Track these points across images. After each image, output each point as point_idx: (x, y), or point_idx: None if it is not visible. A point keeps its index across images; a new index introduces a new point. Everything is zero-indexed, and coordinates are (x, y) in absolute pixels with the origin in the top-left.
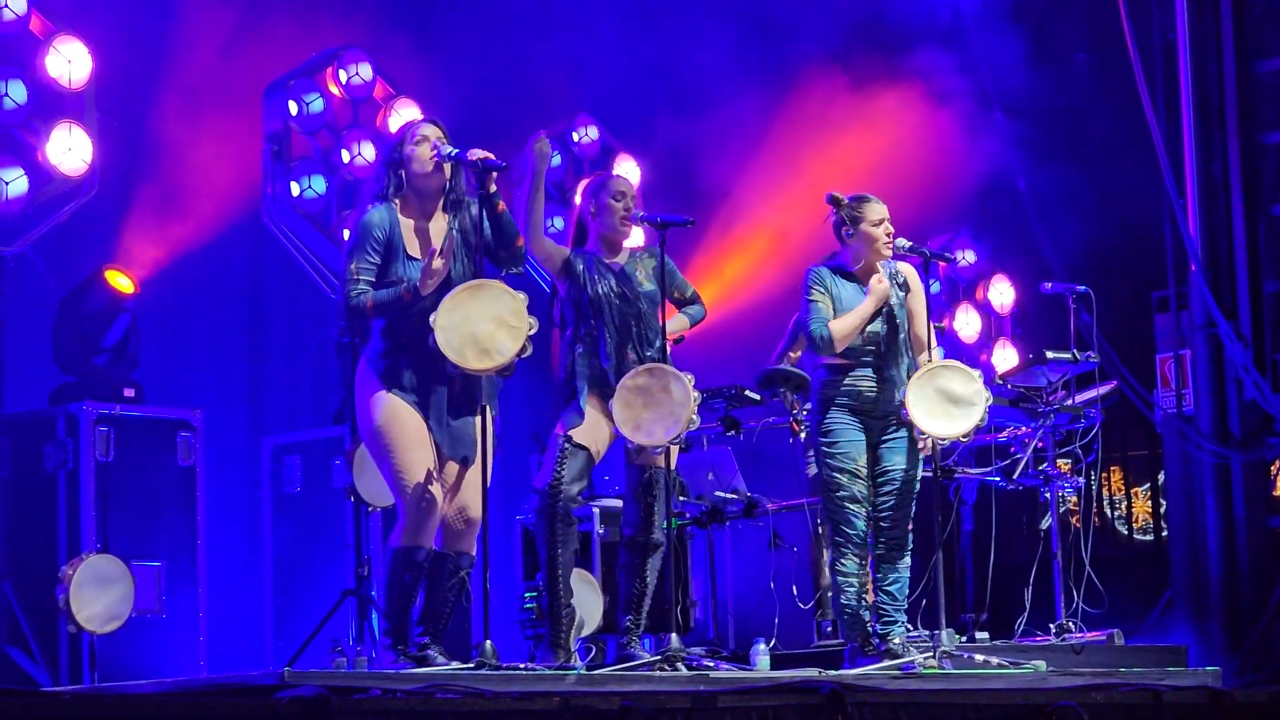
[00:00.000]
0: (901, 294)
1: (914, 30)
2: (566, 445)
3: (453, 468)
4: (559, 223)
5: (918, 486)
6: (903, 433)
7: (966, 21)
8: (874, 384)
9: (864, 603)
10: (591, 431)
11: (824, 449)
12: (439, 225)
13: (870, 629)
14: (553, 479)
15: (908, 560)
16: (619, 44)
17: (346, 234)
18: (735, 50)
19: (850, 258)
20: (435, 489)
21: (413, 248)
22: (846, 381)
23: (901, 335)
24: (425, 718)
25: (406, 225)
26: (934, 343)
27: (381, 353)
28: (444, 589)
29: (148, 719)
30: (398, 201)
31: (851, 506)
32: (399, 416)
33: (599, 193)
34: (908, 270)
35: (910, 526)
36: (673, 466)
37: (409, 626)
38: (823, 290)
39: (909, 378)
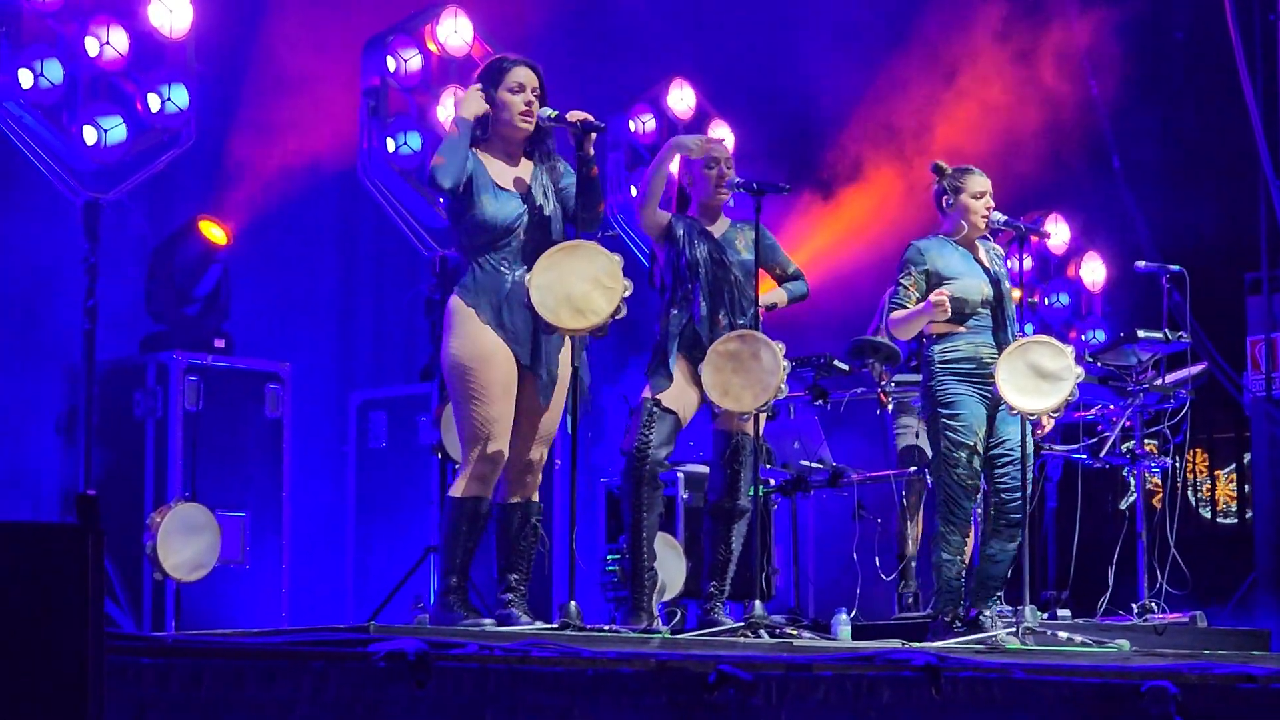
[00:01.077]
0: (1003, 269)
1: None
2: (654, 409)
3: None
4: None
5: (1033, 460)
6: None
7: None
8: (993, 349)
9: (963, 580)
10: (679, 396)
11: (944, 420)
12: (525, 167)
13: (962, 607)
14: (639, 442)
15: (1019, 539)
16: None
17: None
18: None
19: (950, 227)
20: (506, 445)
21: (502, 179)
22: (965, 347)
23: (1008, 304)
24: (522, 676)
25: (491, 162)
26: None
27: (477, 284)
28: (519, 539)
29: (246, 668)
30: (480, 147)
31: (970, 483)
32: (493, 360)
33: (692, 161)
34: (1000, 250)
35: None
36: (760, 433)
37: (468, 580)
38: (918, 271)
39: None
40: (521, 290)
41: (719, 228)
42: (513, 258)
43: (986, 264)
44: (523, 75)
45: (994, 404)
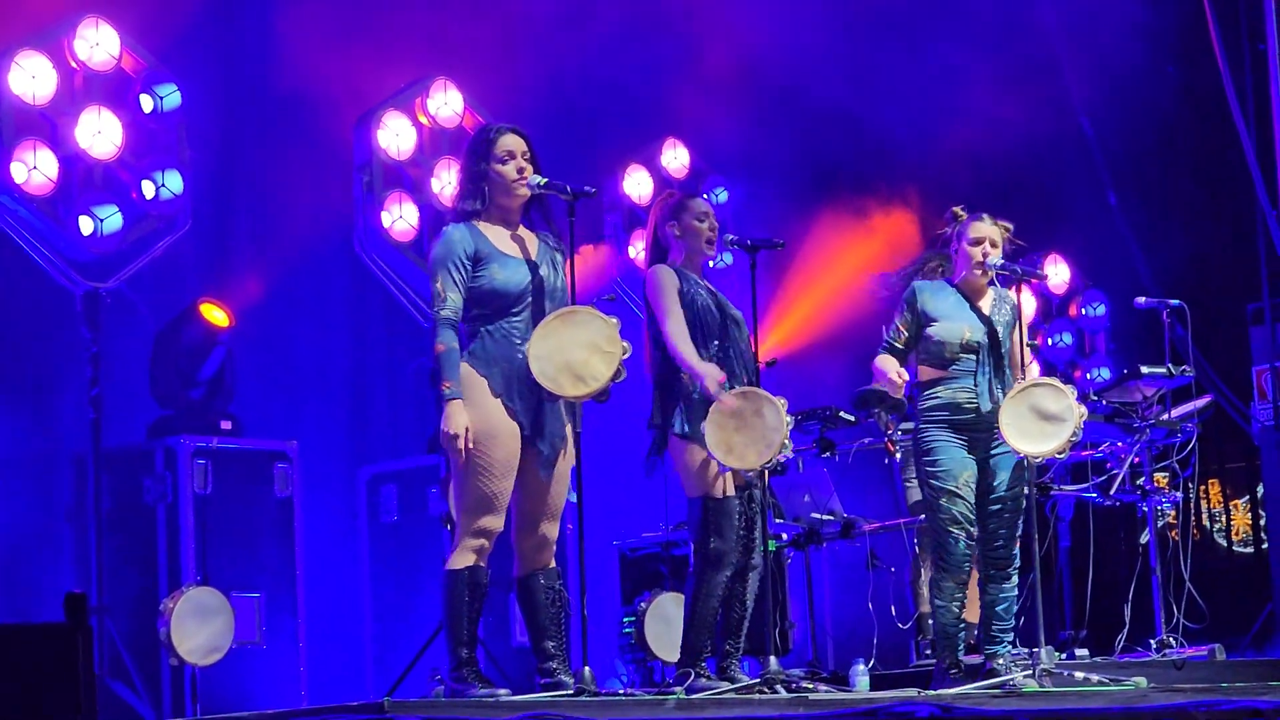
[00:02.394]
0: (1010, 317)
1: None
2: (712, 505)
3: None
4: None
5: (1024, 504)
6: (1006, 446)
7: (1055, 36)
8: (972, 395)
9: (960, 625)
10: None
11: (925, 467)
12: (524, 234)
13: (959, 652)
14: (714, 549)
15: (1015, 580)
16: (707, 67)
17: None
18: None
19: (955, 272)
20: (503, 520)
21: (507, 248)
22: (943, 394)
23: (1003, 350)
24: None
25: (492, 231)
26: (1029, 361)
27: (488, 353)
28: (544, 608)
29: None
30: (479, 219)
31: (954, 529)
32: (499, 437)
33: (680, 214)
34: (1014, 299)
35: (1016, 546)
36: (766, 489)
37: (476, 650)
38: (910, 311)
39: (1004, 393)
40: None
41: (706, 281)
42: (524, 326)
43: (986, 311)
44: (511, 143)
45: (983, 449)
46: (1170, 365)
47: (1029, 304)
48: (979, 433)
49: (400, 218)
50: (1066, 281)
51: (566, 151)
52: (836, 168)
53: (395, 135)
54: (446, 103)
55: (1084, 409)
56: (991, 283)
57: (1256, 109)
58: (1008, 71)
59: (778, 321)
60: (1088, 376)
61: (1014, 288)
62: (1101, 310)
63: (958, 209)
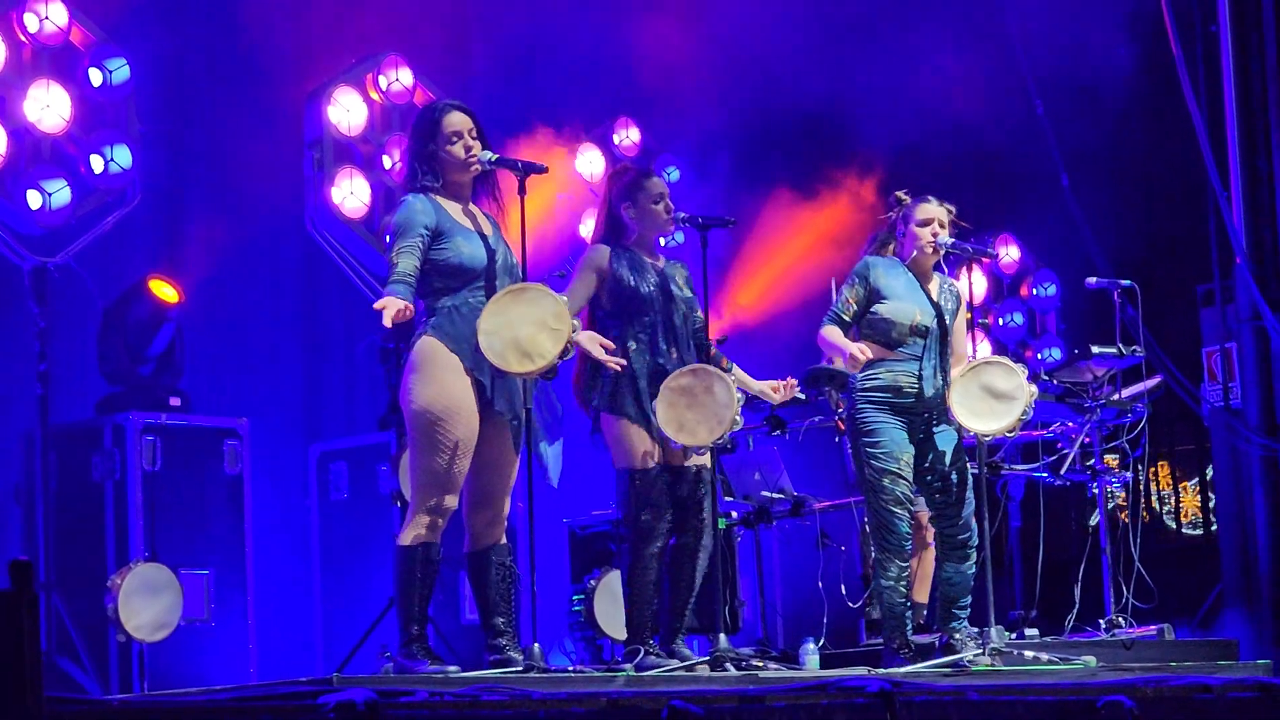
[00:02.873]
0: (954, 304)
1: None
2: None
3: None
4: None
5: (969, 481)
6: (944, 426)
7: (1008, 17)
8: (914, 379)
9: (908, 605)
10: (660, 448)
11: (865, 448)
12: (477, 211)
13: (908, 632)
14: (643, 520)
15: (973, 559)
16: (660, 43)
17: (389, 239)
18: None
19: (904, 255)
20: (457, 499)
21: (465, 223)
22: (885, 375)
23: (947, 339)
24: None
25: (450, 206)
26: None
27: (455, 328)
28: (495, 584)
29: None
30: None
31: (897, 510)
32: (461, 415)
33: (635, 193)
34: (960, 287)
35: (973, 524)
36: (710, 466)
37: (427, 627)
38: (860, 284)
39: (945, 379)
40: None
41: (659, 261)
42: (485, 301)
43: (935, 296)
44: (457, 121)
45: (920, 431)
46: (1121, 346)
47: (980, 284)
48: (917, 416)
49: (351, 194)
50: (1017, 262)
51: (517, 129)
52: (788, 148)
53: (346, 111)
54: (398, 79)
55: (1034, 388)
56: (938, 268)
57: (1208, 91)
58: (961, 53)
59: (729, 299)
60: (1039, 356)
61: (965, 268)
62: (1052, 290)
63: (901, 193)
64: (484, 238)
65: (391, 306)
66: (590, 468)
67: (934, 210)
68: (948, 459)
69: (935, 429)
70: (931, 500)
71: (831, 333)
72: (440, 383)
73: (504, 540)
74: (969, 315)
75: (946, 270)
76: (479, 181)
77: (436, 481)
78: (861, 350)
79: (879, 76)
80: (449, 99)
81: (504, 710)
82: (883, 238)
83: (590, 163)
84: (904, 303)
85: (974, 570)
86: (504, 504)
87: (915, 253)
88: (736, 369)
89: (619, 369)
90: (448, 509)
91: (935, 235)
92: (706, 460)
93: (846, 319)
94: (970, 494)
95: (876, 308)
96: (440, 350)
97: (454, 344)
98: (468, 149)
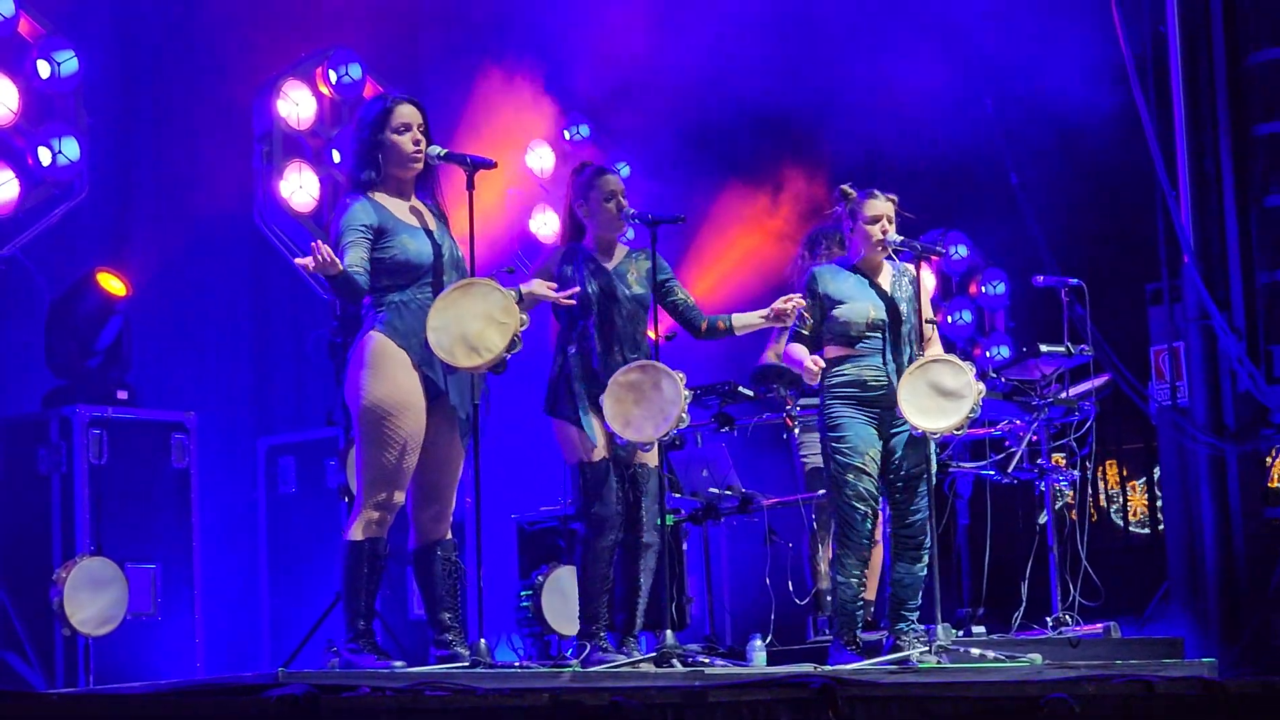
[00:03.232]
0: (911, 291)
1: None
2: (588, 472)
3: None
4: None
5: (932, 482)
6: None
7: (958, 14)
8: (880, 373)
9: (860, 602)
10: (601, 443)
11: (831, 443)
12: (419, 205)
13: (859, 627)
14: (594, 515)
15: (925, 561)
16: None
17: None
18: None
19: (853, 251)
20: (404, 495)
21: (408, 219)
22: (848, 371)
23: (905, 328)
24: (415, 715)
25: (392, 203)
26: (929, 336)
27: (405, 324)
28: (441, 580)
29: (138, 718)
30: (375, 190)
31: (859, 505)
32: (409, 411)
33: (588, 192)
34: (914, 271)
35: (929, 526)
36: (657, 464)
37: (373, 622)
38: (812, 299)
39: None
40: None
41: (614, 260)
42: (433, 297)
43: (887, 288)
44: (408, 113)
45: (888, 426)
46: (1069, 344)
47: (928, 281)
48: (885, 410)
49: (300, 188)
50: (966, 259)
51: (464, 124)
52: (739, 144)
53: (295, 105)
54: (347, 73)
55: (982, 386)
56: (889, 258)
57: (1157, 91)
58: (910, 51)
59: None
60: (987, 354)
61: (914, 265)
62: (1001, 289)
63: (846, 187)
64: (429, 233)
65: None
66: (538, 464)
67: (881, 206)
68: (912, 457)
69: (901, 425)
70: (891, 498)
71: (793, 349)
72: (390, 379)
73: (450, 536)
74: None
75: (897, 261)
76: (422, 178)
77: (384, 477)
78: (815, 362)
79: (829, 74)
80: (397, 93)
81: (447, 705)
82: (828, 235)
83: (540, 158)
84: (856, 302)
85: (925, 571)
86: (450, 500)
87: (865, 251)
88: (736, 316)
89: (569, 303)
90: (395, 504)
91: (885, 232)
92: (649, 458)
93: (806, 333)
94: (929, 495)
95: (833, 313)
96: (389, 346)
97: (402, 340)
98: (416, 142)
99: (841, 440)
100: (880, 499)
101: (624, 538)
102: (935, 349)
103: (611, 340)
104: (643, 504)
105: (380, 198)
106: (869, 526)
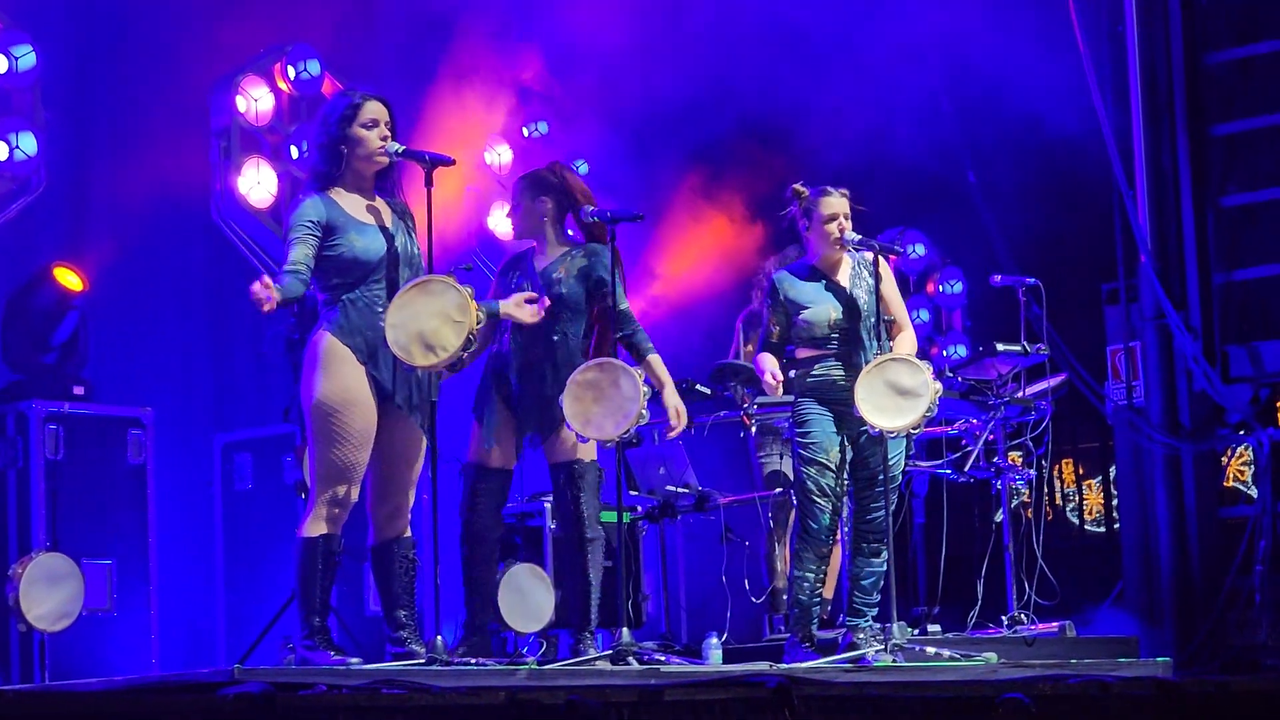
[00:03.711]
0: (871, 282)
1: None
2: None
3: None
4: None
5: (900, 479)
6: None
7: (917, 15)
8: (843, 373)
9: (817, 599)
10: (500, 451)
11: (797, 439)
12: (379, 203)
13: (814, 625)
14: (468, 514)
15: (885, 556)
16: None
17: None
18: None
19: (811, 251)
20: (358, 490)
21: (362, 215)
22: (816, 372)
23: (866, 324)
24: (371, 713)
25: (346, 198)
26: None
27: (350, 323)
28: (398, 577)
29: (92, 717)
30: (335, 185)
31: (820, 501)
32: (358, 407)
33: (537, 196)
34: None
35: (888, 523)
36: (593, 458)
37: (329, 618)
38: (777, 306)
39: None
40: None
41: (550, 256)
42: (384, 295)
43: (846, 284)
44: (375, 110)
45: (854, 426)
46: (1025, 343)
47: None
48: (850, 408)
49: (258, 184)
50: (924, 258)
51: (422, 121)
52: (695, 142)
53: (254, 100)
54: (306, 69)
55: (939, 385)
56: (849, 253)
57: (1115, 90)
58: (869, 50)
59: (637, 294)
60: (944, 353)
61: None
62: (958, 288)
63: (798, 186)
64: (384, 230)
65: (262, 298)
66: None
67: (836, 203)
68: (877, 455)
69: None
70: (856, 494)
71: (761, 359)
72: (337, 376)
73: (408, 533)
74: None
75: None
76: (383, 175)
77: (336, 474)
78: (774, 376)
79: (789, 72)
80: (363, 89)
81: (404, 704)
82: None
83: (498, 155)
84: (817, 306)
85: (884, 568)
86: (407, 497)
87: (823, 250)
88: (652, 361)
89: (537, 318)
90: (348, 501)
91: (841, 230)
92: (585, 453)
93: (775, 341)
94: (893, 491)
95: (798, 318)
96: (336, 345)
97: (350, 338)
98: (383, 138)
99: (807, 436)
100: (843, 497)
101: (568, 533)
102: (907, 336)
103: (525, 341)
104: (581, 499)
105: (338, 194)
106: (828, 523)
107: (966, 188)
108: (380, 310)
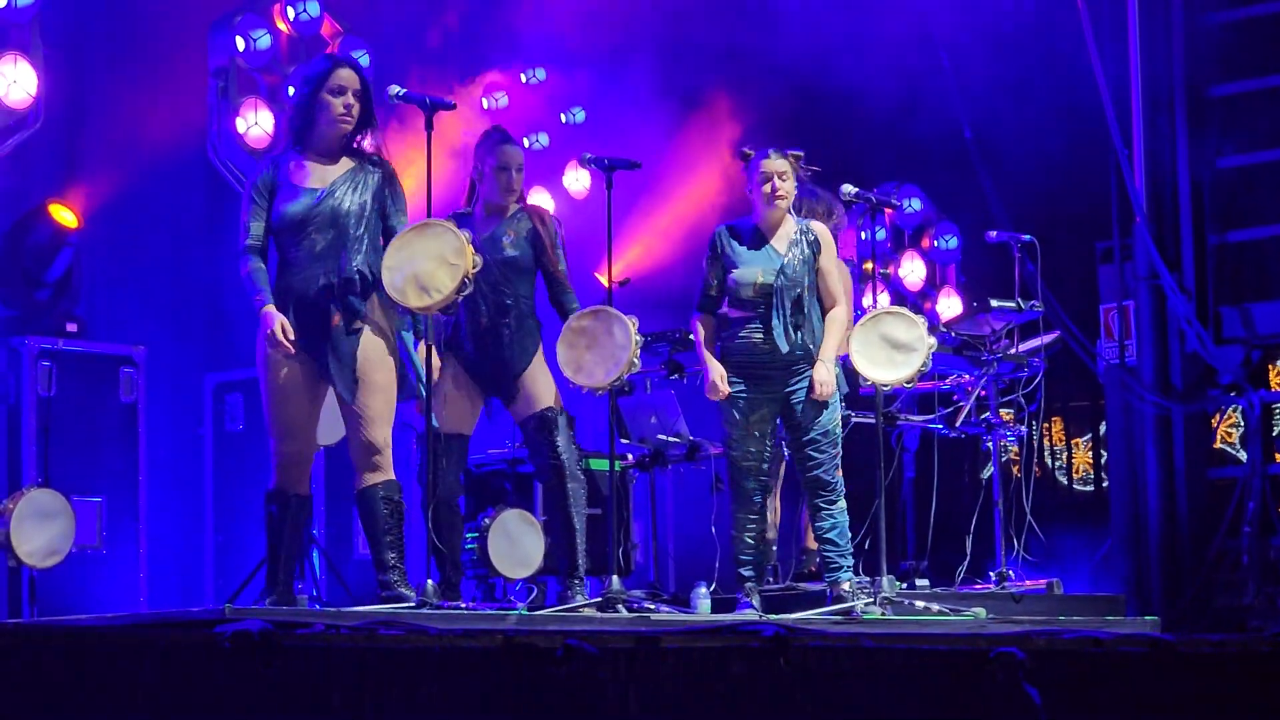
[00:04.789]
0: (809, 252)
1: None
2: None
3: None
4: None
5: (838, 431)
6: (801, 383)
7: None
8: (762, 338)
9: (750, 556)
10: (455, 412)
11: (720, 408)
12: (342, 165)
13: (753, 581)
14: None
15: (841, 504)
16: None
17: None
18: None
19: (754, 211)
20: (305, 440)
21: (301, 181)
22: (740, 335)
23: (792, 293)
24: (369, 654)
25: (310, 163)
26: (847, 298)
27: (279, 284)
28: (383, 519)
29: (90, 652)
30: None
31: (742, 465)
32: (279, 363)
33: (485, 158)
34: (819, 229)
35: (839, 472)
36: (560, 404)
37: (279, 570)
38: (714, 259)
39: (809, 334)
40: (309, 286)
41: (495, 223)
42: (305, 255)
43: (782, 250)
44: (345, 77)
45: (782, 386)
46: (1019, 300)
47: (880, 234)
48: (775, 371)
49: (255, 124)
50: (919, 213)
51: (426, 62)
52: (693, 90)
53: (253, 41)
54: (305, 9)
55: (934, 339)
56: (795, 216)
57: (1114, 48)
58: (870, 6)
59: (632, 242)
60: (937, 309)
61: (868, 216)
62: (953, 243)
63: (746, 149)
64: (323, 193)
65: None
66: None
67: (773, 164)
68: (809, 414)
69: (795, 382)
70: (795, 454)
71: (699, 334)
72: (265, 337)
73: (391, 476)
74: (839, 259)
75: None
76: (356, 136)
77: (274, 427)
78: (720, 378)
79: (786, 27)
80: (343, 54)
81: (401, 644)
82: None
83: (496, 100)
84: (748, 266)
85: (844, 516)
86: (372, 435)
87: (762, 209)
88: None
89: None
90: (289, 452)
91: (776, 191)
92: (553, 400)
93: (713, 295)
94: (832, 446)
95: (730, 275)
96: (270, 306)
97: (278, 297)
98: (347, 106)
99: (730, 404)
100: (770, 458)
101: (542, 485)
102: (840, 312)
103: (471, 306)
104: (558, 445)
105: (303, 156)
106: (754, 486)
107: (963, 143)
108: (297, 270)
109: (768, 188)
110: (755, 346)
